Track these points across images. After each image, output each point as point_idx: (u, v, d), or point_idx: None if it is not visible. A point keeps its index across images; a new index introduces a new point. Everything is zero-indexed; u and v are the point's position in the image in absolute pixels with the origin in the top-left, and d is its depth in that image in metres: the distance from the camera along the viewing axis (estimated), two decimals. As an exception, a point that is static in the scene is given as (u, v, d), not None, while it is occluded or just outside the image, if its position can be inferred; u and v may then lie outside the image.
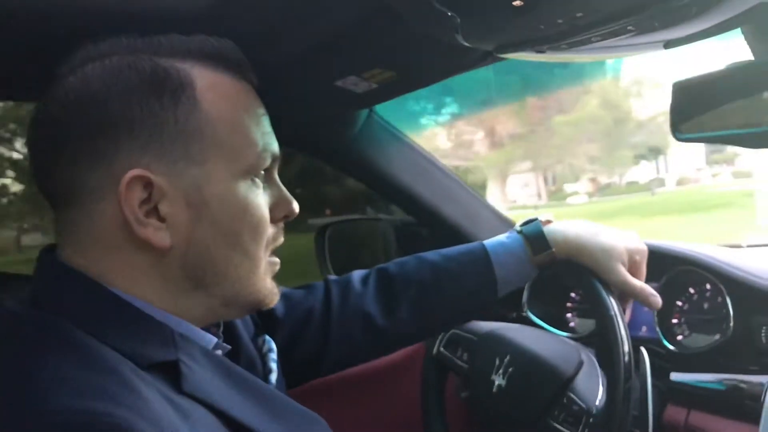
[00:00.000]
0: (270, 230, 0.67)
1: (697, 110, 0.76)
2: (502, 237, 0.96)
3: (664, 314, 1.17)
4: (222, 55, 0.64)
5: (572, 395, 0.94)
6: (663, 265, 1.17)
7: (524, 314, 1.37)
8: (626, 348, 0.89)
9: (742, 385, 0.98)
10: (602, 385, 0.93)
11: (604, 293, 0.92)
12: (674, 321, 1.17)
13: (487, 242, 0.95)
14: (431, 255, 0.95)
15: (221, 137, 0.61)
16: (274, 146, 0.67)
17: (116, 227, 0.59)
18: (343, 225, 1.84)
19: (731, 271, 1.06)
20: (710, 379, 1.04)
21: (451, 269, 0.93)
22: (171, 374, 0.57)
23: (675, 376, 1.09)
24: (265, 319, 0.86)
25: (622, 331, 0.90)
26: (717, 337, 1.07)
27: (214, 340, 0.66)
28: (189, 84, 0.60)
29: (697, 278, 1.13)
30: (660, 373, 1.07)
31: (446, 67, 0.98)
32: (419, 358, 1.21)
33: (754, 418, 0.91)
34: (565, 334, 1.28)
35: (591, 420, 0.90)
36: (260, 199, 0.65)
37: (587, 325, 1.30)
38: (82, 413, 0.48)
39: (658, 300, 0.92)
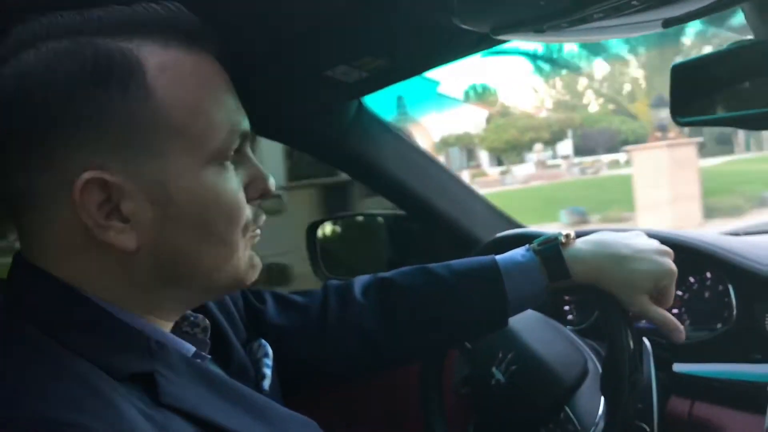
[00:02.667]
0: (247, 212, 0.61)
1: (697, 93, 0.74)
2: (516, 254, 0.86)
3: (665, 304, 1.15)
4: (171, 25, 0.57)
5: (569, 412, 0.92)
6: (663, 253, 1.15)
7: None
8: (630, 350, 0.86)
9: (747, 375, 0.96)
10: (603, 402, 0.90)
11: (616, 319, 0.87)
12: (675, 311, 1.15)
13: (500, 258, 0.86)
14: (438, 268, 0.87)
15: (180, 125, 0.55)
16: (244, 124, 0.61)
17: (78, 232, 0.54)
18: (335, 221, 1.81)
19: (733, 258, 1.04)
20: (713, 370, 1.02)
21: (458, 287, 0.85)
22: (148, 386, 0.54)
23: (678, 367, 1.07)
24: (253, 321, 0.82)
25: (626, 332, 0.87)
26: (719, 326, 1.05)
27: (193, 349, 0.62)
28: (137, 68, 0.54)
29: (697, 267, 1.11)
30: (662, 364, 1.05)
31: (440, 54, 0.96)
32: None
33: (760, 408, 0.89)
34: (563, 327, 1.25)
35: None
36: (232, 183, 0.59)
37: (586, 317, 1.28)
38: (50, 422, 0.46)
39: (681, 335, 0.84)
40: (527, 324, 1.05)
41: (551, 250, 0.84)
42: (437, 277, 0.86)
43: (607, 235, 0.87)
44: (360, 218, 1.96)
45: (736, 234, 1.30)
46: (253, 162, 0.63)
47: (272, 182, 0.64)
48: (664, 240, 1.17)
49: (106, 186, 0.53)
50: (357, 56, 0.94)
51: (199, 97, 0.57)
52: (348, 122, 1.23)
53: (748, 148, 19.28)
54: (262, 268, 0.66)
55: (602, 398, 0.91)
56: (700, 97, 0.74)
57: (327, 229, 1.69)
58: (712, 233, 1.21)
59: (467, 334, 0.93)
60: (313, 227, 1.62)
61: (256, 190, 0.63)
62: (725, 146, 18.95)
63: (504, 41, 0.82)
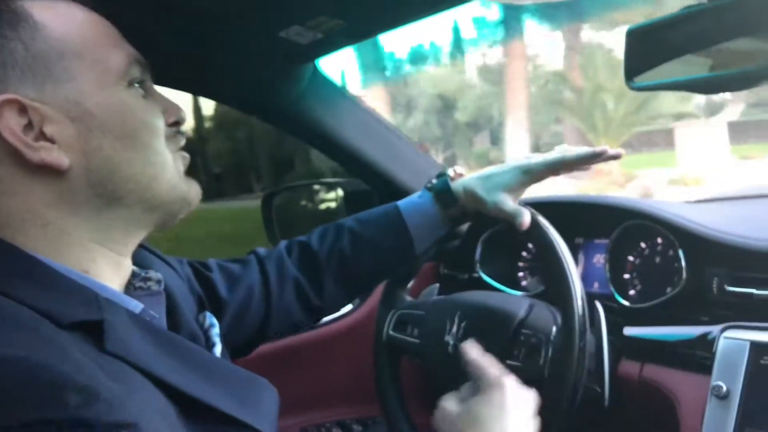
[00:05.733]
0: (166, 129, 0.67)
1: (652, 57, 0.74)
2: (414, 196, 1.01)
3: (616, 270, 1.17)
4: None
5: (528, 331, 0.92)
6: (614, 218, 1.17)
7: (476, 274, 1.36)
8: (580, 303, 0.88)
9: (694, 337, 0.99)
10: (556, 317, 0.91)
11: (558, 249, 0.91)
12: (626, 276, 1.17)
13: (401, 203, 1.00)
14: (349, 222, 1.00)
15: (78, 50, 0.61)
16: (139, 55, 0.67)
17: (9, 164, 0.58)
18: (292, 191, 1.79)
19: (683, 224, 1.06)
20: (663, 332, 1.05)
21: (368, 235, 0.98)
22: (93, 334, 0.54)
23: (628, 331, 1.09)
24: (211, 301, 0.86)
25: (577, 287, 0.89)
26: (669, 290, 1.07)
27: (141, 306, 0.63)
28: (25, 13, 0.60)
29: (648, 232, 1.13)
30: (613, 328, 1.07)
31: (398, 14, 0.93)
32: (370, 323, 1.18)
33: (707, 369, 0.91)
34: (518, 293, 1.27)
35: (551, 347, 0.88)
36: (143, 101, 0.65)
37: (540, 283, 1.30)
38: None
39: (525, 220, 0.93)
40: (467, 294, 1.06)
41: (441, 184, 0.99)
42: (350, 230, 0.98)
43: (492, 167, 1.00)
44: (318, 187, 1.93)
45: (689, 202, 1.33)
46: (161, 95, 0.70)
47: (184, 111, 0.70)
48: (616, 205, 1.19)
49: (24, 111, 0.57)
50: (311, 16, 0.91)
51: (87, 28, 0.63)
52: (302, 87, 1.20)
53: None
54: None
55: (554, 311, 0.93)
56: (654, 62, 0.74)
57: (284, 198, 1.67)
58: (666, 200, 1.23)
59: (386, 273, 1.05)
60: (270, 196, 1.59)
61: (171, 116, 0.69)
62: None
63: (464, 1, 0.81)
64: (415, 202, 1.00)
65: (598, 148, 0.93)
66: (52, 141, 0.58)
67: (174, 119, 0.69)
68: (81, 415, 0.46)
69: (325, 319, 1.46)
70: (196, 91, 1.29)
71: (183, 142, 0.70)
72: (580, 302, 0.88)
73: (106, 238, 0.62)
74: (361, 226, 0.99)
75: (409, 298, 1.12)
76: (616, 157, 0.93)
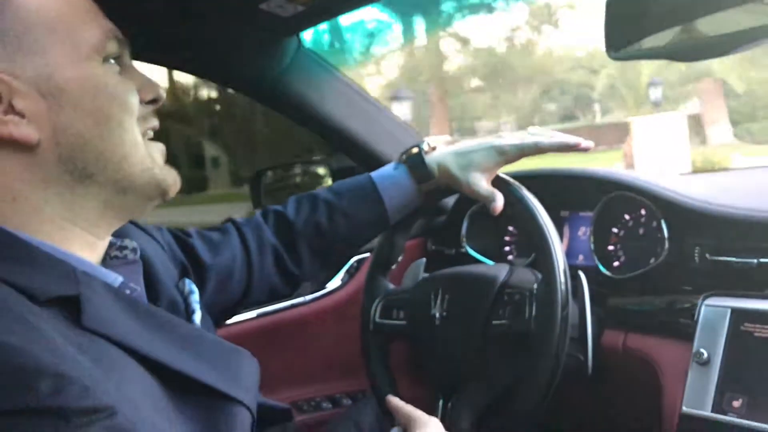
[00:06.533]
0: (139, 106, 0.65)
1: (632, 27, 0.74)
2: (389, 167, 1.02)
3: (601, 241, 1.18)
4: None
5: (510, 291, 0.93)
6: (598, 190, 1.17)
7: (462, 249, 1.37)
8: (563, 278, 0.88)
9: (677, 305, 1.00)
10: (537, 276, 0.92)
11: (540, 220, 0.91)
12: (610, 248, 1.18)
13: (374, 174, 1.01)
14: (324, 193, 1.00)
15: (51, 22, 0.59)
16: (116, 30, 0.65)
17: None
18: (280, 169, 1.78)
19: (666, 194, 1.07)
20: (646, 302, 1.06)
21: (343, 206, 0.98)
22: (70, 309, 0.54)
23: (612, 301, 1.10)
24: (195, 267, 0.86)
25: (559, 257, 0.89)
26: (652, 260, 1.07)
27: (120, 278, 0.62)
28: None
29: (632, 204, 1.14)
30: (598, 298, 1.08)
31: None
32: (357, 299, 1.18)
33: (689, 336, 0.92)
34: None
35: (534, 301, 0.89)
36: (118, 77, 0.63)
37: (526, 257, 1.30)
38: None
39: (498, 206, 0.95)
40: (450, 269, 1.06)
41: (416, 157, 0.99)
42: (325, 201, 0.99)
43: (464, 142, 1.01)
44: (306, 166, 1.93)
45: (674, 176, 1.33)
46: (140, 72, 0.68)
47: (162, 90, 0.68)
48: (600, 177, 1.19)
49: None
50: (293, -13, 0.91)
51: (61, 1, 0.61)
52: (286, 61, 1.19)
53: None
54: None
55: (534, 272, 0.94)
56: (634, 32, 0.74)
57: (272, 177, 1.66)
58: (650, 173, 1.23)
59: (359, 242, 1.04)
60: (258, 175, 1.59)
61: (147, 95, 0.67)
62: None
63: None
64: (390, 174, 1.00)
65: (572, 140, 0.95)
66: (21, 115, 0.57)
67: (152, 97, 0.67)
68: (53, 403, 0.44)
69: (314, 295, 1.47)
70: (177, 66, 1.27)
71: (155, 123, 0.68)
72: (561, 265, 0.88)
73: (79, 216, 0.61)
74: (336, 197, 0.99)
75: (392, 286, 1.12)
76: (585, 150, 0.95)
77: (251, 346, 0.69)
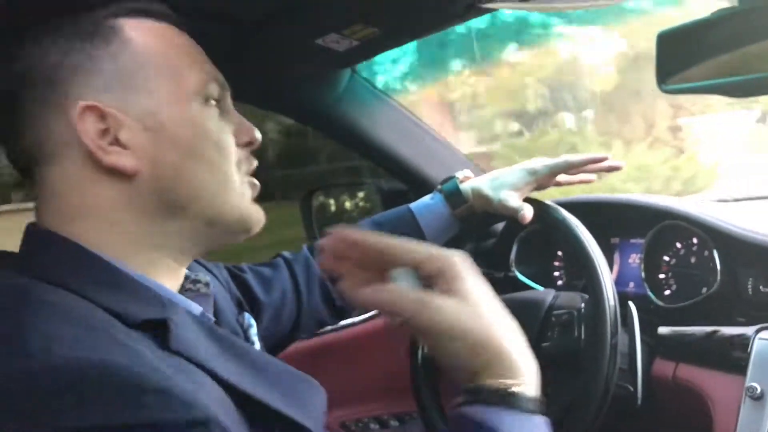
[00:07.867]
0: (237, 150, 0.68)
1: (683, 60, 0.75)
2: (426, 198, 1.10)
3: (651, 269, 1.18)
4: (147, 11, 0.66)
5: (558, 312, 0.96)
6: (649, 219, 1.17)
7: (511, 273, 1.37)
8: (612, 302, 0.89)
9: (729, 337, 0.99)
10: (584, 297, 0.94)
11: (588, 248, 0.92)
12: (661, 276, 1.17)
13: (413, 205, 1.09)
14: (366, 224, 1.07)
15: (161, 64, 0.64)
16: (219, 74, 0.69)
17: (82, 165, 0.61)
18: (330, 190, 1.81)
19: (718, 224, 1.06)
20: (697, 332, 1.05)
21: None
22: (159, 332, 0.56)
23: (663, 330, 1.09)
24: (250, 302, 0.90)
25: (608, 286, 0.90)
26: (704, 290, 1.07)
27: (200, 308, 0.65)
28: (117, 28, 0.63)
29: (683, 232, 1.13)
30: (648, 327, 1.07)
31: (429, 22, 0.96)
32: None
33: (741, 369, 0.91)
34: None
35: (582, 319, 0.91)
36: (218, 120, 0.67)
37: (576, 282, 1.31)
38: (75, 361, 0.47)
39: (526, 215, 1.00)
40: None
41: (451, 186, 1.08)
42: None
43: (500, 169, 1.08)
44: (356, 187, 1.95)
45: (724, 201, 1.32)
46: (238, 115, 0.71)
47: (258, 133, 0.71)
48: (651, 207, 1.19)
49: (103, 117, 0.60)
50: (347, 24, 0.94)
51: (173, 44, 0.66)
52: (340, 91, 1.23)
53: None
54: None
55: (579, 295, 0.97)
56: (686, 65, 0.75)
57: (322, 197, 1.69)
58: (700, 201, 1.22)
59: None
60: (309, 195, 1.62)
61: (244, 137, 0.70)
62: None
63: (491, 10, 0.83)
64: (426, 203, 1.09)
65: (598, 154, 1.03)
66: (125, 147, 0.61)
67: (246, 140, 0.70)
68: (159, 417, 0.47)
69: (364, 316, 1.49)
70: (236, 98, 1.32)
71: (255, 164, 0.71)
72: (610, 291, 0.90)
73: (167, 245, 0.64)
74: (377, 227, 1.05)
75: None
76: (616, 168, 1.00)
77: (302, 366, 0.70)
